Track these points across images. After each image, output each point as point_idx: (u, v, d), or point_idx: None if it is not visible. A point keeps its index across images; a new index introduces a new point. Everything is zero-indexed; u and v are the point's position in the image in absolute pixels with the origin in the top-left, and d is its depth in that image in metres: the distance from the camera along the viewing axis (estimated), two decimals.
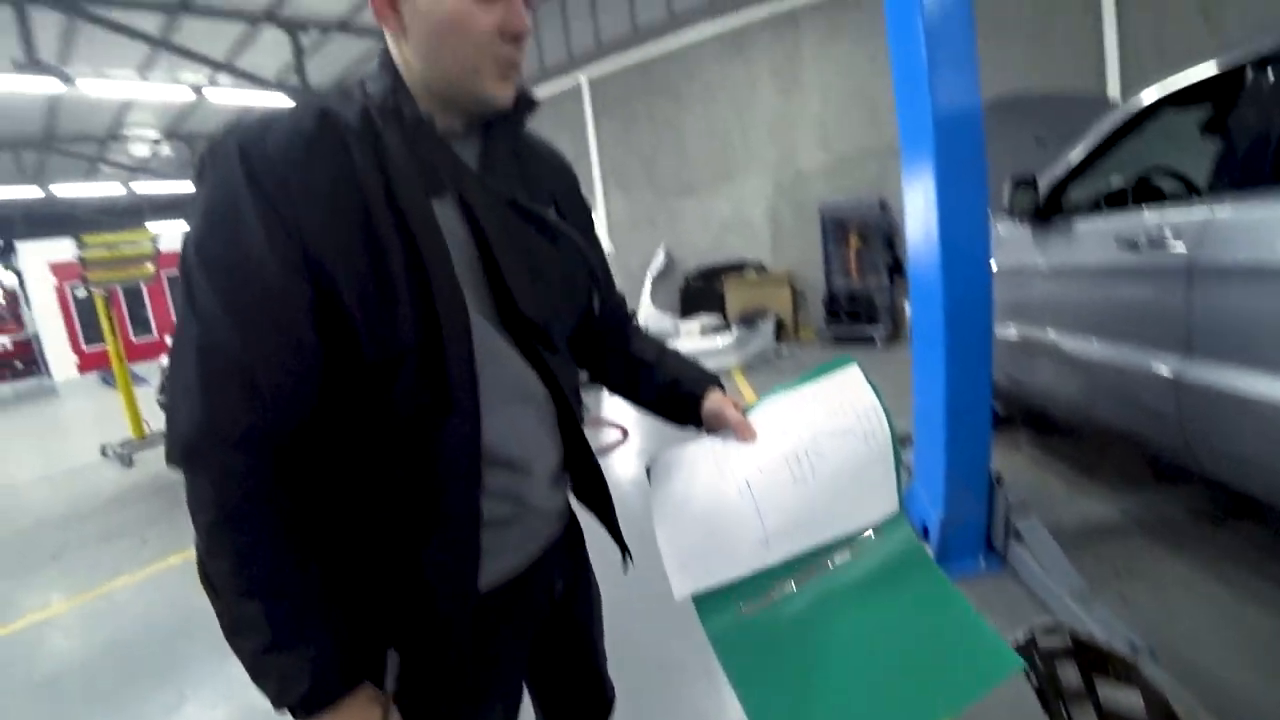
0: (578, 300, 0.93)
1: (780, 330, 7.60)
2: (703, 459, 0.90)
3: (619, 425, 5.21)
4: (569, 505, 1.00)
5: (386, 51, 0.81)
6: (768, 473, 0.84)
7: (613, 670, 1.14)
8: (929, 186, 2.30)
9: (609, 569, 1.09)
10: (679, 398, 1.01)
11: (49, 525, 4.80)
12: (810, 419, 0.87)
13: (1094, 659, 1.27)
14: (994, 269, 2.97)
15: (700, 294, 8.76)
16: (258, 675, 0.68)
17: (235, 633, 0.68)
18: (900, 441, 2.63)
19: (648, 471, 0.97)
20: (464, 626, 0.78)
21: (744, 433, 0.91)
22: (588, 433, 0.95)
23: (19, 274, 15.25)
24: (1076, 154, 2.67)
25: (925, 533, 2.55)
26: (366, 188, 0.69)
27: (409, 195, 0.71)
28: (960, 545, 2.43)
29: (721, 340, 6.87)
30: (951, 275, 2.30)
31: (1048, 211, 2.78)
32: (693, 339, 7.42)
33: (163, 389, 5.63)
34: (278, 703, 0.68)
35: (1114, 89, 5.72)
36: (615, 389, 1.10)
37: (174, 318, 0.72)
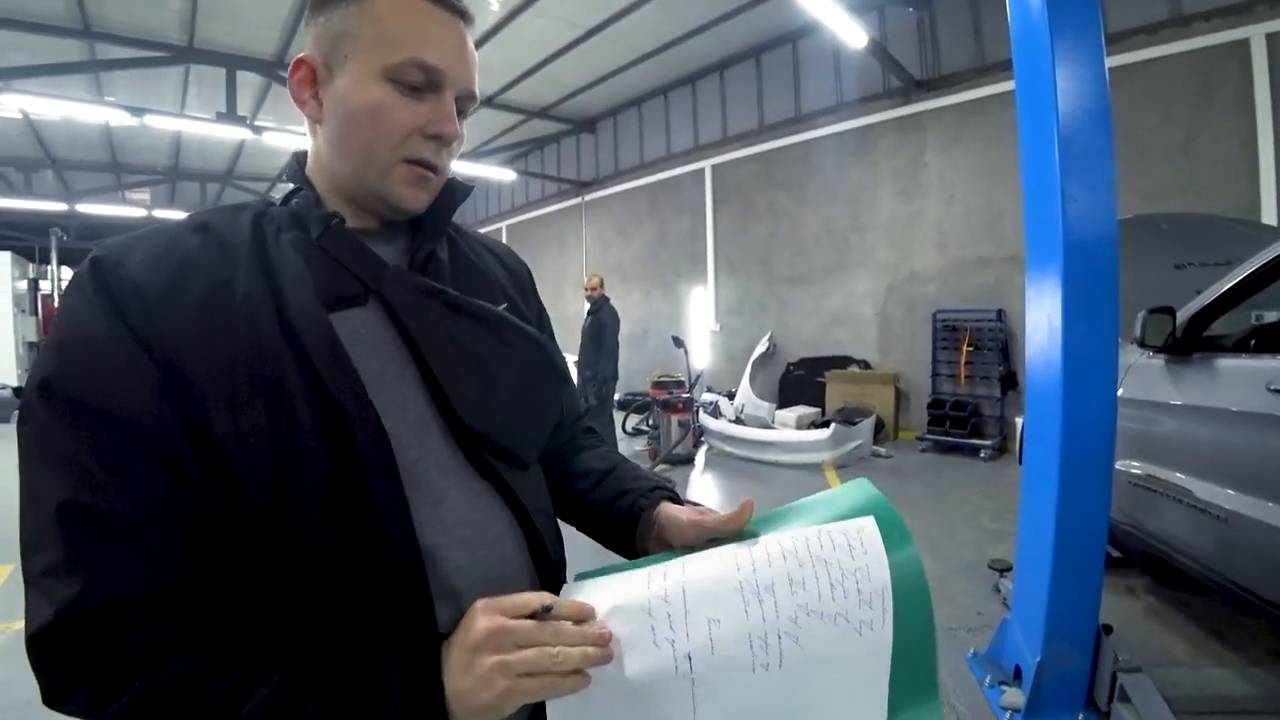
0: (545, 406, 0.80)
1: (879, 430, 7.33)
2: (636, 599, 0.61)
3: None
4: None
5: (295, 154, 0.76)
6: (721, 649, 0.59)
7: None
8: (1055, 309, 2.21)
9: None
10: (617, 515, 0.82)
11: None
12: (797, 583, 0.62)
13: None
14: (1121, 398, 2.79)
15: (800, 384, 8.64)
16: None
17: None
18: (1001, 570, 2.47)
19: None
20: None
21: (718, 527, 0.70)
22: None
23: None
24: (1227, 284, 2.49)
25: (1018, 674, 2.33)
26: (252, 309, 0.60)
27: (300, 311, 0.61)
28: (1057, 696, 2.20)
29: (817, 435, 6.69)
30: (1073, 405, 2.18)
31: (1185, 345, 2.59)
32: (788, 430, 7.28)
33: None
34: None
35: (1270, 213, 5.34)
36: (556, 507, 0.87)
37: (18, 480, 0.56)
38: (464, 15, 0.70)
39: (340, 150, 0.69)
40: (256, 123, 9.04)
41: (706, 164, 10.07)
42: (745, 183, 9.60)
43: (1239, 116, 5.52)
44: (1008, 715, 2.23)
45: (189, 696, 0.52)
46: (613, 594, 0.62)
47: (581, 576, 0.70)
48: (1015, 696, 2.27)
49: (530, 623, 0.57)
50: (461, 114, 0.71)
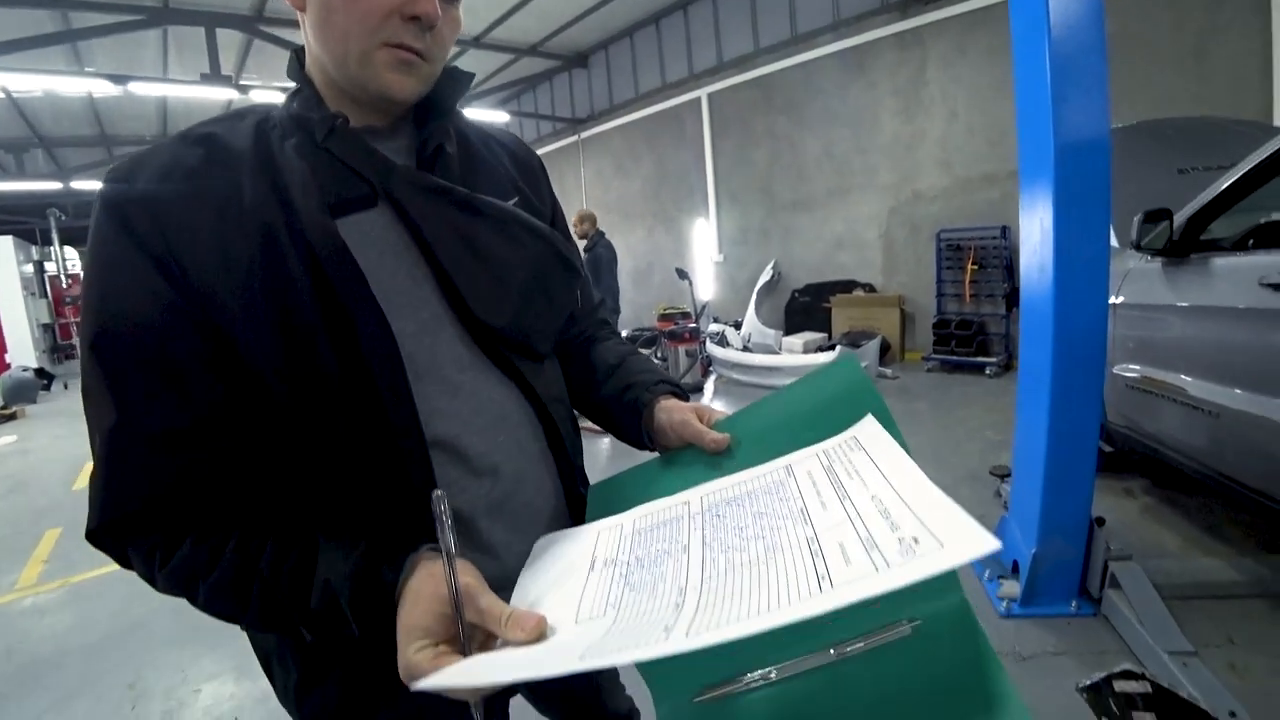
0: (557, 300, 0.81)
1: (885, 352, 7.39)
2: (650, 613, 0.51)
3: None
4: None
5: (296, 53, 0.73)
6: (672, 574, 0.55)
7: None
8: (1046, 216, 2.23)
9: None
10: (624, 406, 0.84)
11: None
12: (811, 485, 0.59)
13: (1175, 712, 1.22)
14: (1118, 304, 2.83)
15: (806, 310, 8.66)
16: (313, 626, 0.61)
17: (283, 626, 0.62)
18: (1001, 475, 2.57)
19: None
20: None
21: (710, 445, 0.73)
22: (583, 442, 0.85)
23: None
24: (1223, 185, 2.49)
25: (1015, 569, 2.45)
26: (262, 219, 0.61)
27: (308, 219, 0.62)
28: (1051, 585, 2.33)
29: (824, 357, 6.76)
30: (1064, 309, 2.22)
31: (1183, 247, 2.61)
32: (795, 355, 7.35)
33: None
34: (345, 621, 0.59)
35: None
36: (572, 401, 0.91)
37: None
38: None
39: (322, 39, 0.66)
40: (242, 81, 8.90)
41: (703, 93, 9.83)
42: (743, 110, 9.39)
43: (1253, 17, 5.32)
44: (1005, 604, 2.36)
45: (197, 575, 0.61)
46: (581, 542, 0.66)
47: (595, 494, 0.77)
48: (1012, 588, 2.40)
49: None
50: None
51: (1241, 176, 2.41)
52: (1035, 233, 2.33)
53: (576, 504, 0.82)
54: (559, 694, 0.96)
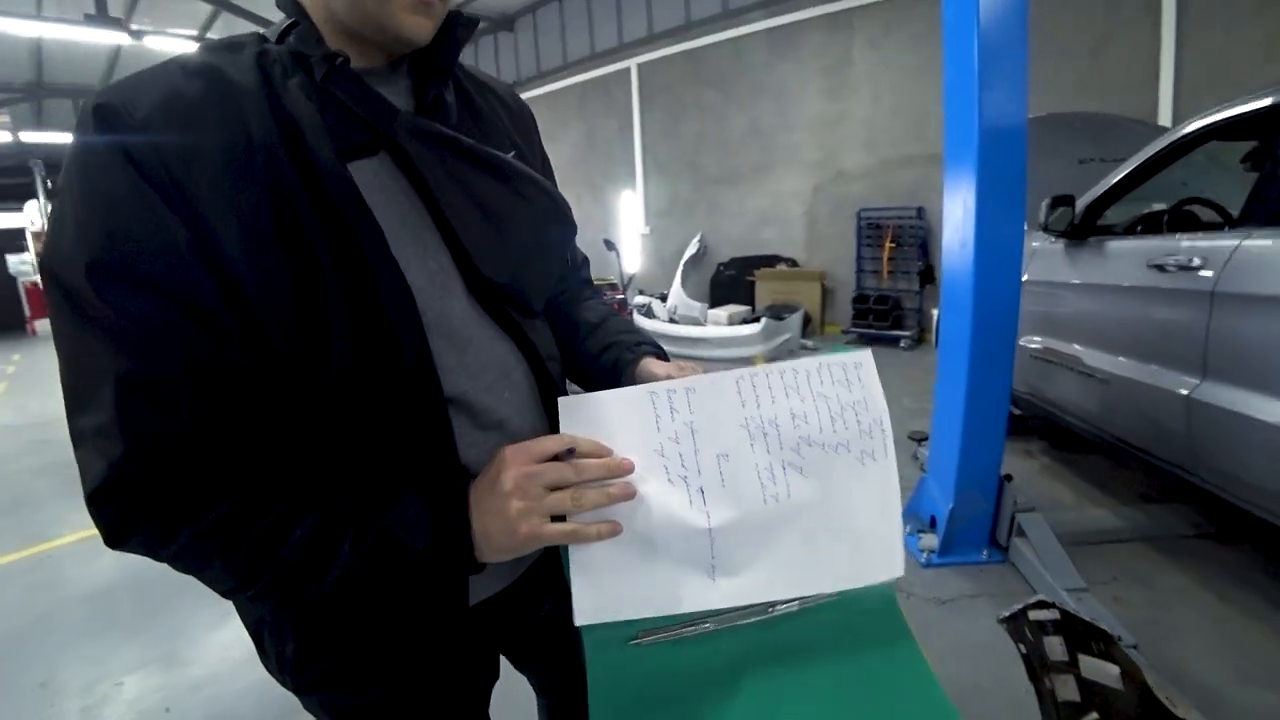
0: (554, 256, 0.81)
1: (807, 324, 7.69)
2: (648, 441, 0.63)
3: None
4: None
5: None
6: (731, 483, 0.62)
7: None
8: (969, 197, 2.41)
9: None
10: (603, 365, 0.85)
11: None
12: (799, 416, 0.64)
13: (1079, 634, 1.41)
14: (1025, 280, 3.08)
15: (731, 283, 8.87)
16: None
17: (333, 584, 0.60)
18: (919, 440, 2.82)
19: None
20: (444, 647, 0.73)
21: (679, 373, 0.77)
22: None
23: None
24: (1117, 176, 2.75)
25: (933, 523, 2.68)
26: (272, 160, 0.57)
27: (323, 162, 0.58)
28: (966, 536, 2.56)
29: (748, 329, 6.98)
30: (983, 283, 2.41)
31: (1083, 230, 2.87)
32: (720, 326, 7.54)
33: None
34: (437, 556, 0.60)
35: (1166, 116, 5.72)
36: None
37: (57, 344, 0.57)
38: None
39: None
40: (134, 26, 8.07)
41: (633, 63, 9.79)
42: (673, 82, 9.42)
43: (1146, 21, 5.77)
44: (925, 556, 2.58)
45: (232, 538, 0.57)
46: (618, 411, 0.65)
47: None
48: (931, 540, 2.62)
49: (555, 464, 0.61)
50: None
51: (1133, 169, 2.68)
52: (958, 211, 2.51)
53: None
54: (547, 647, 0.95)
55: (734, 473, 0.62)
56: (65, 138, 13.32)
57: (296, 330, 0.58)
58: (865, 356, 0.67)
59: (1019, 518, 2.48)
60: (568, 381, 0.93)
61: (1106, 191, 2.78)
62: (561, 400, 0.66)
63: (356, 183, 0.60)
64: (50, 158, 15.03)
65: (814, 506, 0.64)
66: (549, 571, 0.86)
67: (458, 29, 0.70)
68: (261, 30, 0.68)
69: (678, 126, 9.52)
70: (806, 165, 8.24)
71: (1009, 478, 2.55)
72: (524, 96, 0.78)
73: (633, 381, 0.80)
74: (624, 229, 10.48)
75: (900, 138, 7.39)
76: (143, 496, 0.55)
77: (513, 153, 0.75)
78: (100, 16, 7.29)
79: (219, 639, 2.42)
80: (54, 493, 4.33)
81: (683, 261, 9.23)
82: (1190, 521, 2.68)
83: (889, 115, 7.45)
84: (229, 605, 0.71)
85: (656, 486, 0.62)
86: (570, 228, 0.82)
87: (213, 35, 10.09)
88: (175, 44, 8.77)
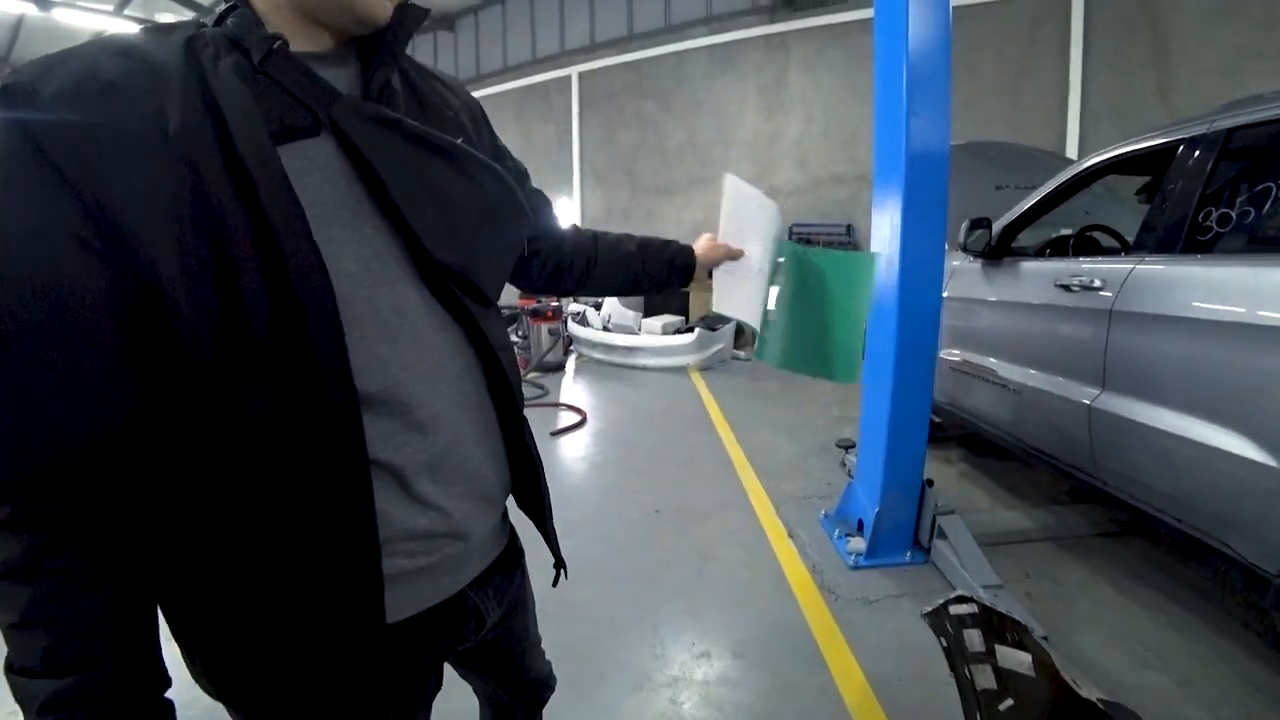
0: (508, 240, 0.80)
1: (739, 336, 7.87)
2: (730, 278, 1.21)
3: (576, 408, 5.36)
4: (506, 518, 0.88)
5: None
6: (758, 254, 1.22)
7: (559, 631, 1.12)
8: (895, 216, 2.55)
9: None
10: (679, 270, 1.15)
11: None
12: (747, 217, 1.22)
13: (995, 626, 1.52)
14: (945, 297, 3.27)
15: (665, 294, 8.94)
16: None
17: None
18: (846, 447, 3.06)
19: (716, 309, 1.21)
20: (363, 664, 0.65)
21: (738, 254, 1.20)
22: (534, 415, 0.95)
23: None
24: (1029, 202, 2.96)
25: (860, 526, 2.80)
26: (189, 142, 0.54)
27: (247, 142, 0.56)
28: (891, 539, 2.69)
29: (682, 339, 7.09)
30: (906, 298, 2.55)
31: (998, 251, 3.08)
32: (654, 336, 7.62)
33: None
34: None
35: (1073, 148, 6.17)
36: (605, 289, 1.14)
37: None
38: None
39: None
40: None
41: (574, 70, 9.85)
42: (614, 91, 9.54)
43: (1057, 61, 6.25)
44: (852, 559, 2.70)
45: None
46: (751, 206, 1.23)
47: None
48: (858, 543, 2.74)
49: None
50: None
51: (1043, 197, 2.90)
52: (885, 229, 2.65)
53: (522, 457, 0.82)
54: (485, 657, 0.95)
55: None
56: None
57: (216, 314, 0.55)
58: (729, 180, 1.22)
59: (939, 520, 2.62)
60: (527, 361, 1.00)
61: (1020, 216, 2.99)
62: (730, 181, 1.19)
63: (290, 166, 0.59)
64: None
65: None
66: (498, 575, 0.84)
67: (407, 17, 0.70)
68: (200, 18, 0.66)
69: (616, 136, 9.62)
70: (741, 178, 8.44)
71: (930, 483, 2.70)
72: None
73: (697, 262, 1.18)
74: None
75: (831, 157, 7.70)
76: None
77: (461, 139, 0.73)
78: None
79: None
80: None
81: None
82: (1092, 521, 2.90)
83: (820, 135, 7.75)
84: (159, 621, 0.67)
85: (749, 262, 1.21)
86: (524, 214, 0.82)
87: (132, 13, 9.60)
88: (87, 18, 8.31)
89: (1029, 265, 2.91)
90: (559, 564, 0.96)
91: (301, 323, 0.57)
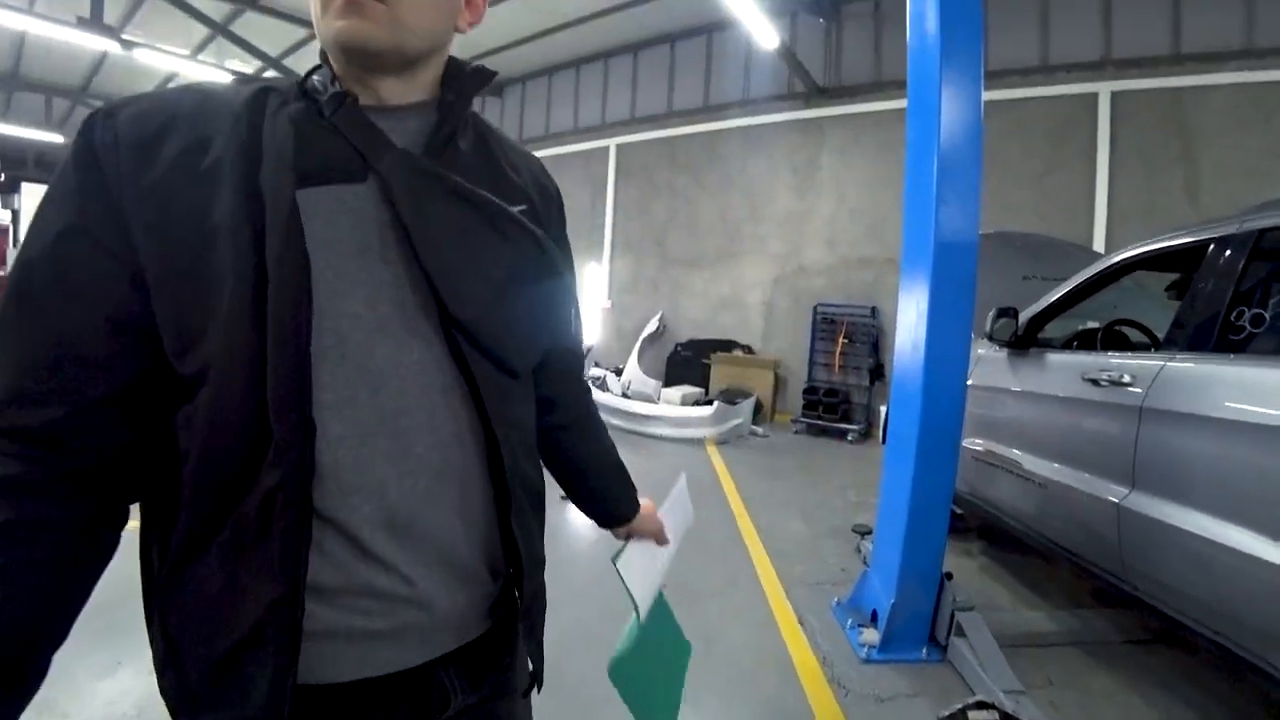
0: (539, 309, 0.76)
1: (758, 411, 7.81)
2: (645, 555, 1.11)
3: None
4: (497, 606, 0.77)
5: None
6: (669, 555, 1.16)
7: (549, 705, 1.07)
8: (922, 302, 2.54)
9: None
10: (612, 515, 1.07)
11: None
12: (678, 518, 1.20)
13: None
14: (970, 384, 3.23)
15: (686, 364, 9.00)
16: None
17: None
18: (863, 533, 2.99)
19: (614, 563, 1.04)
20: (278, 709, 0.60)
21: (663, 542, 1.13)
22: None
23: (16, 213, 15.22)
24: (1057, 294, 2.95)
25: (874, 617, 2.69)
26: (219, 169, 0.60)
27: (269, 175, 0.60)
28: (906, 633, 2.57)
29: (701, 411, 7.05)
30: (931, 385, 2.52)
31: (1024, 341, 3.05)
32: (673, 406, 7.60)
33: None
34: None
35: (1100, 241, 6.19)
36: (548, 464, 0.96)
37: None
38: None
39: (311, 11, 0.67)
40: (125, 35, 8.08)
41: (612, 142, 10.19)
42: (649, 164, 9.81)
43: (1084, 159, 6.37)
44: (865, 651, 2.58)
45: None
46: (641, 551, 1.10)
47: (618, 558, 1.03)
48: (872, 635, 2.62)
49: None
50: None
51: (1072, 289, 2.89)
52: (912, 315, 2.64)
53: (508, 539, 0.74)
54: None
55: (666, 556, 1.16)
56: (31, 133, 13.42)
57: (188, 336, 0.59)
58: (681, 480, 1.26)
59: (959, 616, 2.51)
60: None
61: (1047, 307, 2.98)
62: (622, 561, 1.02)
63: (320, 204, 0.62)
64: (10, 151, 15.01)
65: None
66: (476, 659, 0.75)
67: (471, 77, 0.75)
68: (291, 78, 0.72)
69: (649, 206, 9.84)
70: (770, 257, 8.57)
71: (949, 576, 2.60)
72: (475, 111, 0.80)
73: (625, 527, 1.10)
74: (586, 301, 10.62)
75: (859, 239, 7.79)
76: None
77: (523, 208, 0.74)
78: (94, 21, 7.23)
79: (106, 690, 2.13)
80: None
81: (641, 338, 9.36)
82: (1121, 627, 2.75)
83: (850, 217, 7.87)
84: (121, 651, 0.66)
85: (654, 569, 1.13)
86: (567, 291, 0.80)
87: (205, 58, 10.24)
88: (164, 59, 8.77)
89: (1056, 357, 2.88)
90: (535, 673, 0.83)
91: (263, 345, 0.57)
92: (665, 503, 1.18)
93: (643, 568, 1.08)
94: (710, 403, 7.30)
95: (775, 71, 8.29)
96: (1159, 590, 2.15)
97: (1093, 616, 2.84)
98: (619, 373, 8.83)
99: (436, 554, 0.67)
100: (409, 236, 0.64)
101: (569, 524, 4.11)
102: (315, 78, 0.69)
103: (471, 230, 0.69)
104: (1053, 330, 3.12)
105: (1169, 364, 2.17)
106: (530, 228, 0.73)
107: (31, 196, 14.66)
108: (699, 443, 6.75)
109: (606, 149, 10.26)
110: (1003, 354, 3.17)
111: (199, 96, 0.64)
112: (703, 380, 8.60)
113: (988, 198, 2.53)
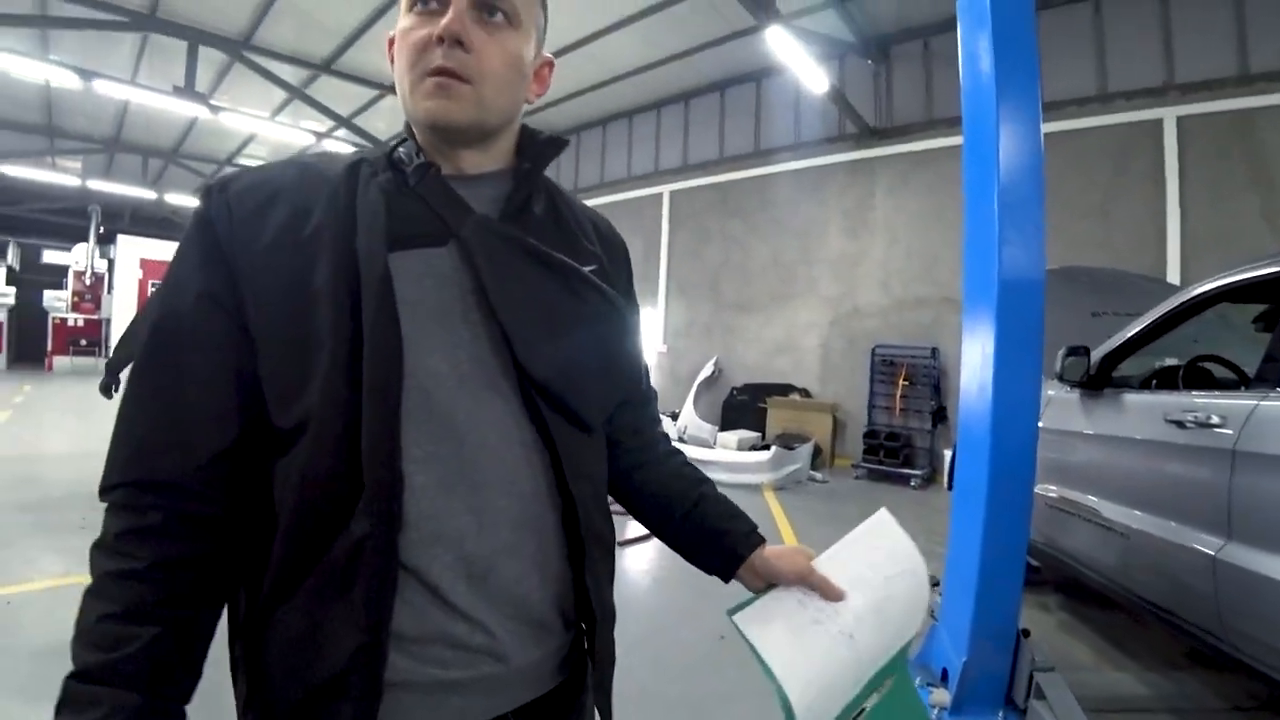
0: (612, 365, 0.81)
1: (817, 456, 7.63)
2: (796, 612, 0.82)
3: None
4: (568, 660, 0.77)
5: None
6: (866, 624, 0.81)
7: None
8: (988, 345, 2.45)
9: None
10: (721, 551, 0.87)
11: (80, 497, 4.93)
12: (874, 565, 0.86)
13: None
14: (1040, 427, 3.08)
15: (743, 408, 8.89)
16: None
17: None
18: (930, 585, 2.77)
19: (732, 618, 0.83)
20: None
21: (832, 594, 0.81)
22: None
23: (111, 262, 16.61)
24: (1132, 330, 2.80)
25: (944, 677, 2.53)
26: (319, 237, 0.65)
27: (364, 241, 0.65)
28: (980, 694, 2.41)
29: (758, 456, 6.92)
30: (1000, 431, 2.41)
31: (1098, 381, 2.90)
32: (729, 450, 7.49)
33: None
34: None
35: (1174, 273, 5.91)
36: (632, 508, 0.94)
37: None
38: None
39: (397, 88, 0.72)
40: (214, 101, 8.87)
41: (665, 189, 10.35)
42: (701, 209, 9.91)
43: (1151, 186, 6.13)
44: (935, 713, 2.42)
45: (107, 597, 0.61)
46: (779, 609, 0.82)
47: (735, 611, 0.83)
48: (942, 696, 2.46)
49: None
50: (489, 10, 0.70)
51: (1149, 324, 2.74)
52: (977, 357, 2.55)
53: (581, 592, 0.75)
54: None
55: (862, 616, 0.82)
56: (129, 190, 14.57)
57: (291, 389, 0.64)
58: (883, 513, 0.93)
59: (1038, 677, 2.34)
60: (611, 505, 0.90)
61: (1122, 344, 2.83)
62: (741, 617, 0.80)
63: (408, 267, 0.67)
64: (109, 206, 16.69)
65: (902, 614, 0.86)
66: (547, 714, 0.76)
67: (546, 147, 0.80)
68: (380, 149, 0.78)
69: (702, 252, 9.91)
70: (824, 299, 8.47)
71: (1026, 633, 2.44)
72: (547, 175, 0.84)
73: (750, 566, 0.86)
74: (642, 345, 10.66)
75: (914, 279, 7.64)
76: (130, 497, 0.63)
77: (593, 267, 0.79)
78: (188, 90, 8.04)
79: None
80: (31, 531, 4.19)
81: (696, 382, 9.32)
82: (1221, 693, 2.53)
83: (904, 257, 7.74)
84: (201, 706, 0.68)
85: (829, 645, 0.81)
86: (636, 347, 0.86)
87: (283, 119, 10.97)
88: (246, 121, 9.63)
89: (1134, 398, 2.72)
90: None
91: (358, 399, 0.61)
92: (838, 544, 0.89)
93: (791, 627, 0.80)
94: (767, 447, 7.17)
95: (825, 114, 8.33)
96: (1265, 653, 1.96)
97: (1188, 680, 2.62)
98: (675, 417, 8.78)
99: (513, 606, 0.69)
100: (488, 297, 0.69)
101: (624, 571, 4.05)
102: (401, 150, 0.74)
103: (546, 290, 0.73)
104: (1129, 368, 2.96)
105: (1263, 403, 2.02)
106: (601, 286, 0.78)
107: (127, 247, 16.22)
108: (756, 488, 6.61)
109: (660, 196, 10.43)
110: (1075, 395, 3.02)
111: (299, 170, 0.70)
112: (759, 424, 8.47)
113: (1049, 232, 2.44)
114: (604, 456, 0.84)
